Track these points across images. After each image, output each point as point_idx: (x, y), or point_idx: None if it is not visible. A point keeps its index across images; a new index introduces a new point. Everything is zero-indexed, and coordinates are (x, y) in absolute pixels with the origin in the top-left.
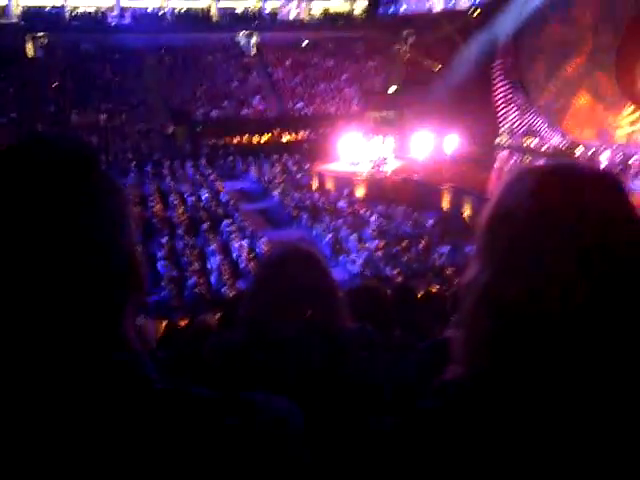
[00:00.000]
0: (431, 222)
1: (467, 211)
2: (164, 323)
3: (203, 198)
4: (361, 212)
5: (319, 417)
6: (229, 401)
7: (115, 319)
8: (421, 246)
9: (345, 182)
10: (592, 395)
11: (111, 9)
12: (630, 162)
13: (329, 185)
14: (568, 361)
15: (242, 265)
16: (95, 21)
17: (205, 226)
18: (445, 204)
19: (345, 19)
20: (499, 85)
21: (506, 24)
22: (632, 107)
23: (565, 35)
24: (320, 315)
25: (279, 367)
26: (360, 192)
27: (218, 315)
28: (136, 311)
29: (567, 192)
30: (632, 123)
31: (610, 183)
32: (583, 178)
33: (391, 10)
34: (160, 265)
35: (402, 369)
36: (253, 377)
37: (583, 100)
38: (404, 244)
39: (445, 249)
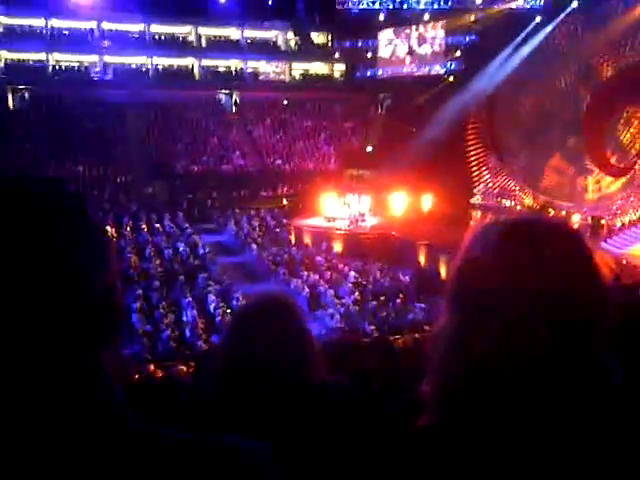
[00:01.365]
0: (408, 278)
1: (443, 268)
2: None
3: (180, 251)
4: (339, 267)
5: (295, 469)
6: (200, 443)
7: (93, 352)
8: (398, 302)
9: (323, 237)
10: (557, 444)
11: (94, 64)
12: (602, 222)
13: (307, 240)
14: (531, 410)
15: (218, 319)
16: (78, 75)
17: (181, 279)
18: (422, 261)
19: (324, 81)
20: (472, 148)
21: (479, 90)
22: (600, 173)
23: (538, 105)
24: (296, 366)
25: (254, 419)
26: (338, 247)
27: (191, 367)
28: (116, 346)
29: (530, 245)
30: (599, 189)
31: (572, 236)
32: (546, 232)
33: (368, 74)
34: (134, 318)
35: (378, 421)
36: (227, 430)
37: (555, 165)
38: (381, 299)
39: (422, 305)
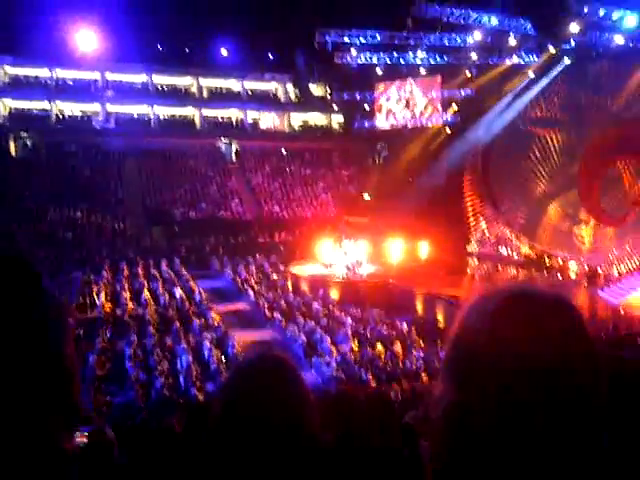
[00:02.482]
0: (405, 326)
1: (440, 316)
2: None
3: (176, 297)
4: (335, 314)
5: None
6: None
7: (43, 427)
8: (395, 350)
9: (320, 284)
10: None
11: (97, 113)
12: (599, 271)
13: (304, 286)
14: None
15: (212, 367)
16: (80, 124)
17: (176, 325)
18: (419, 308)
19: (322, 131)
20: (469, 198)
21: (475, 141)
22: (596, 223)
23: (534, 162)
24: (291, 428)
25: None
26: (334, 294)
27: (183, 419)
28: (68, 422)
29: (524, 317)
30: (595, 239)
31: (565, 308)
32: (540, 303)
33: (366, 125)
34: (128, 365)
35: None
36: None
37: (551, 215)
38: (379, 347)
39: (420, 353)
